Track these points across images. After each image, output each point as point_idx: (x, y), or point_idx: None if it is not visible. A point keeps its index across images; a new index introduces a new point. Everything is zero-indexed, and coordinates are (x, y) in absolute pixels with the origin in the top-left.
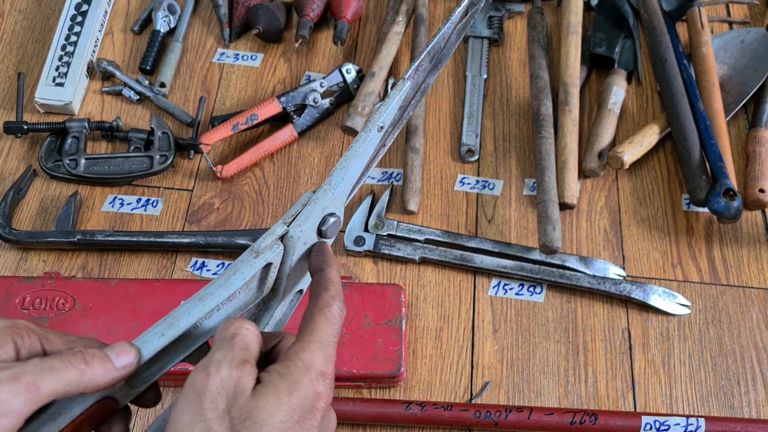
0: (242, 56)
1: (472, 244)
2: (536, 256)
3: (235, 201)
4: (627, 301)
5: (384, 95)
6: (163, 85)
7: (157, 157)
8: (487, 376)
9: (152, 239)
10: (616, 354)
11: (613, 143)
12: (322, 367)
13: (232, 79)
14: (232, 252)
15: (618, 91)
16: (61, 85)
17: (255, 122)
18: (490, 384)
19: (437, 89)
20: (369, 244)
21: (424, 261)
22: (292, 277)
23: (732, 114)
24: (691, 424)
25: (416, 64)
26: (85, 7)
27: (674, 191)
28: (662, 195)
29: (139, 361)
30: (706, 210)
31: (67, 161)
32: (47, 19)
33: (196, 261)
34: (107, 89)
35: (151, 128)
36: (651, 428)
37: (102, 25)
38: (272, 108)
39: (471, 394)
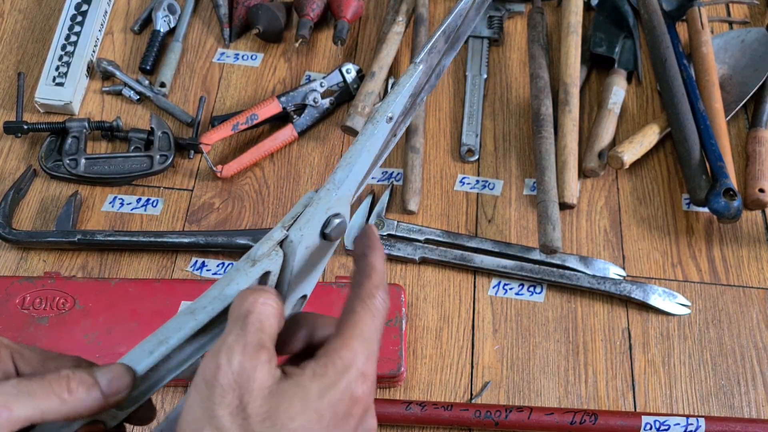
0: (242, 56)
1: (472, 244)
2: (536, 256)
3: (235, 201)
4: (627, 301)
5: (383, 95)
6: (163, 85)
7: (157, 157)
8: (487, 376)
9: (152, 239)
10: (616, 354)
11: (613, 143)
12: (364, 367)
13: (232, 79)
14: (232, 252)
15: (618, 91)
16: (61, 85)
17: (255, 122)
18: (490, 384)
19: (437, 89)
20: None
21: (424, 261)
22: (294, 284)
23: (732, 114)
24: (691, 424)
25: (429, 45)
26: (85, 7)
27: (674, 191)
28: (662, 195)
29: (133, 387)
30: (706, 210)
31: (67, 161)
32: (47, 19)
33: (196, 261)
34: (107, 89)
35: (151, 128)
36: (651, 428)
37: (102, 25)
38: (272, 108)
39: (471, 394)
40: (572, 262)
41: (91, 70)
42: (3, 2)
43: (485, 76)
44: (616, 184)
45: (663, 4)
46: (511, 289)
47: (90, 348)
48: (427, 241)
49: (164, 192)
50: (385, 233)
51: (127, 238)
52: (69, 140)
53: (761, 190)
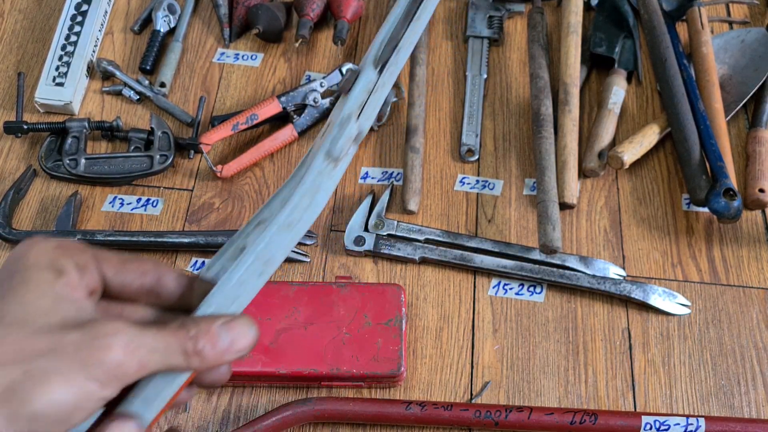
0: (242, 56)
1: (472, 243)
2: (536, 255)
3: (235, 201)
4: (627, 301)
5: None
6: (163, 84)
7: (157, 156)
8: (487, 376)
9: (152, 239)
10: (616, 354)
11: (613, 143)
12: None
13: (232, 78)
14: None
15: (618, 91)
16: (61, 85)
17: (255, 122)
18: (490, 384)
19: (437, 89)
20: (369, 244)
21: (424, 261)
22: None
23: (732, 114)
24: (691, 424)
25: None
26: (85, 7)
27: (674, 191)
28: (662, 195)
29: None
30: (706, 210)
31: (67, 161)
32: (47, 19)
33: (197, 261)
34: (107, 89)
35: (151, 128)
36: (651, 428)
37: (102, 25)
38: (272, 108)
39: (471, 394)
40: (572, 262)
41: (91, 70)
42: (3, 2)
43: (485, 76)
44: (616, 184)
45: (663, 4)
46: (511, 289)
47: None
48: (427, 241)
49: (164, 192)
50: (385, 233)
51: (127, 238)
52: (69, 140)
53: (761, 190)
